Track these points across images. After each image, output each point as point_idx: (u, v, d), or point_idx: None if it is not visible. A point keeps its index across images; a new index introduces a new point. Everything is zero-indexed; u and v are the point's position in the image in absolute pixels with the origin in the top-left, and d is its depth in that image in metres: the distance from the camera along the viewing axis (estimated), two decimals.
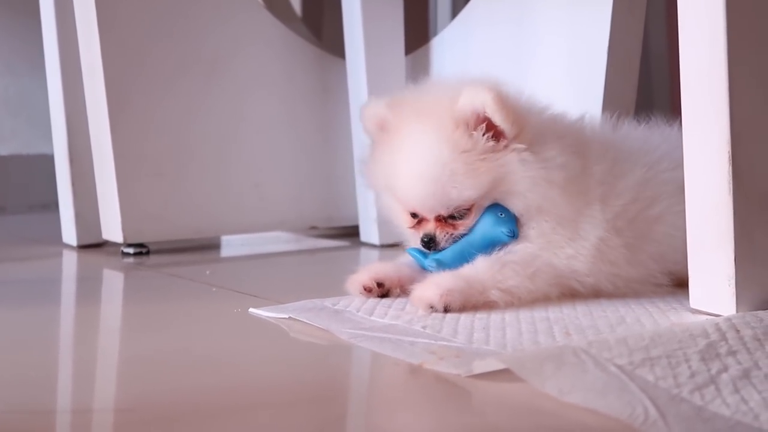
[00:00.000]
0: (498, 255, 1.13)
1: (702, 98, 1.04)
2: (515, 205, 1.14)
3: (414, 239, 1.18)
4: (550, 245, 1.14)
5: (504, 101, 1.12)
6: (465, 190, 1.12)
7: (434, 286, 1.09)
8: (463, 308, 1.09)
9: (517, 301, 1.11)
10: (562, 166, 1.13)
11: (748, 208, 1.04)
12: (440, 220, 1.15)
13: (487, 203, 1.14)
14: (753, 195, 1.04)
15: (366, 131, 1.24)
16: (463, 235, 1.15)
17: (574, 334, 0.98)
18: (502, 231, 1.14)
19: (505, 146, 1.12)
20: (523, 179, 1.12)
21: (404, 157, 1.14)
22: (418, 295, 1.09)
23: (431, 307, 1.08)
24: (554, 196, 1.12)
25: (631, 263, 1.16)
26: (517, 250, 1.14)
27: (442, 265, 1.14)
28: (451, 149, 1.12)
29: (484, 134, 1.12)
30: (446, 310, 1.08)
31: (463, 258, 1.14)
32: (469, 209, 1.15)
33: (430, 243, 1.15)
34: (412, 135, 1.14)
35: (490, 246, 1.14)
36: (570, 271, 1.14)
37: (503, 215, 1.14)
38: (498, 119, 1.11)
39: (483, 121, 1.12)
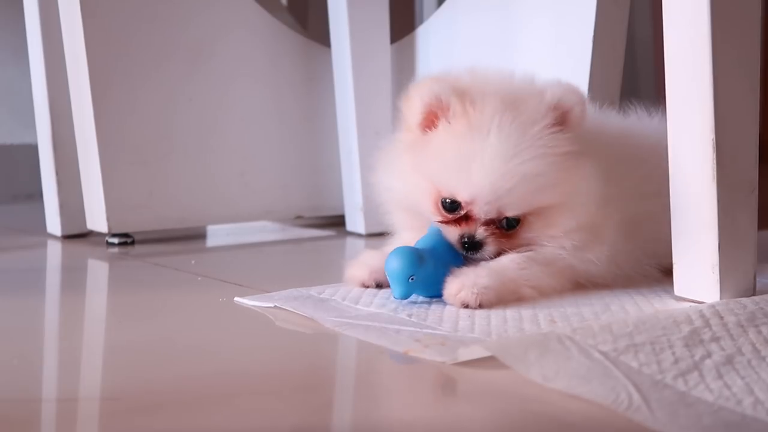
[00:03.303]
0: (523, 253, 1.10)
1: (686, 85, 1.04)
2: (565, 218, 1.10)
3: (447, 234, 1.11)
4: (576, 250, 1.11)
5: (585, 107, 1.10)
6: (543, 194, 1.08)
7: (469, 283, 1.05)
8: (495, 306, 1.05)
9: (539, 297, 1.09)
10: (605, 176, 1.11)
11: (732, 195, 1.04)
12: (491, 224, 1.10)
13: (539, 220, 1.10)
14: (737, 183, 1.05)
15: (413, 111, 1.13)
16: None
17: (559, 322, 0.98)
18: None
19: (575, 158, 1.09)
20: (582, 192, 1.09)
21: (490, 147, 1.06)
22: (452, 293, 1.05)
23: (466, 306, 1.04)
24: (595, 210, 1.11)
25: (631, 264, 1.16)
26: (541, 250, 1.11)
27: (415, 291, 1.08)
28: (545, 149, 1.07)
29: (568, 137, 1.09)
30: (480, 307, 1.04)
31: (435, 286, 1.08)
32: (519, 222, 1.10)
33: (472, 246, 1.09)
34: (502, 126, 1.06)
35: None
36: (586, 274, 1.13)
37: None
38: (577, 122, 1.09)
39: (564, 120, 1.09)
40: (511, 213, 1.09)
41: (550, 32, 1.58)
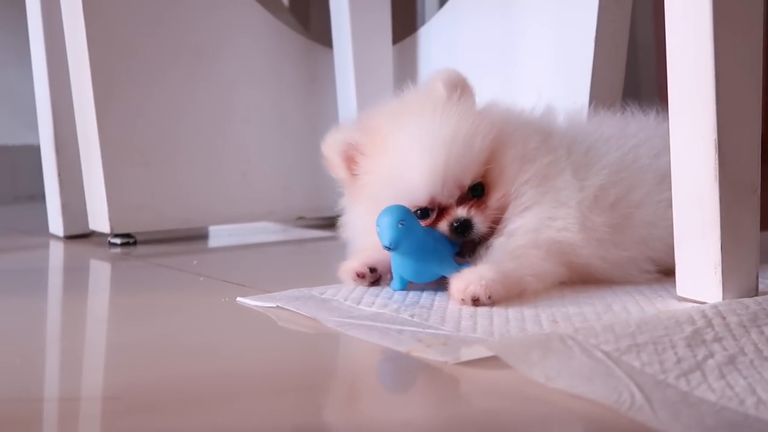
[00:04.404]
0: (507, 243, 1.12)
1: (688, 86, 1.04)
2: (506, 180, 1.15)
3: (441, 230, 1.13)
4: (542, 212, 1.14)
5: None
6: (479, 153, 1.13)
7: (475, 278, 1.06)
8: (503, 300, 1.06)
9: (542, 287, 1.11)
10: (534, 148, 1.16)
11: (735, 196, 1.04)
12: (464, 200, 1.14)
13: (501, 182, 1.15)
14: (739, 183, 1.05)
15: (335, 165, 1.20)
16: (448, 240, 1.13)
17: (561, 322, 0.98)
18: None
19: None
20: (506, 154, 1.15)
21: (409, 150, 1.12)
22: (460, 289, 1.06)
23: (476, 301, 1.05)
24: (531, 168, 1.15)
25: (616, 245, 1.16)
26: (516, 229, 1.13)
27: (400, 265, 1.12)
28: (450, 118, 1.13)
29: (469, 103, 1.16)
30: (490, 299, 1.05)
31: (423, 264, 1.11)
32: (482, 184, 1.14)
33: (464, 227, 1.12)
34: (408, 129, 1.13)
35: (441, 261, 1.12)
36: (568, 245, 1.14)
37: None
38: (472, 90, 1.17)
39: (465, 95, 1.16)
40: (468, 181, 1.13)
41: (552, 33, 1.58)
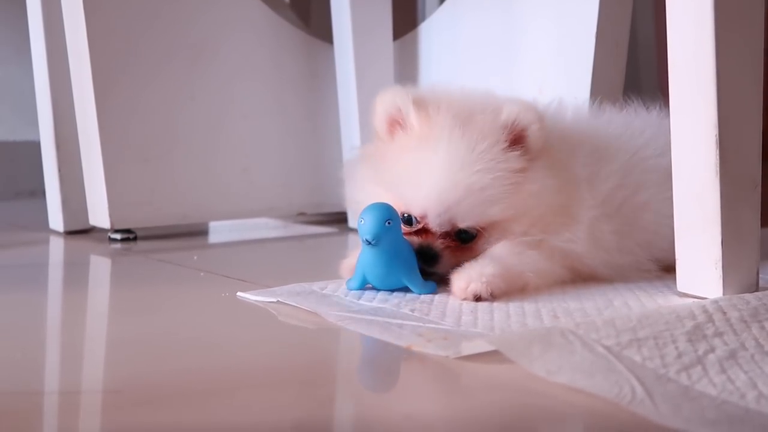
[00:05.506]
0: (510, 241, 1.11)
1: (689, 82, 1.04)
2: (519, 226, 1.11)
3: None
4: (553, 234, 1.12)
5: (545, 123, 1.11)
6: (492, 207, 1.09)
7: (476, 275, 1.05)
8: (505, 294, 1.06)
9: (543, 284, 1.10)
10: (558, 176, 1.13)
11: (735, 191, 1.04)
12: (448, 236, 1.11)
13: (494, 233, 1.11)
14: (740, 178, 1.05)
15: (377, 121, 1.17)
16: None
17: (562, 317, 0.98)
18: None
19: (529, 169, 1.11)
20: (535, 203, 1.11)
21: (439, 159, 1.09)
22: (461, 287, 1.05)
23: (477, 296, 1.04)
24: (553, 212, 1.12)
25: (621, 250, 1.16)
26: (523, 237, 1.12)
27: (368, 264, 1.10)
28: (493, 162, 1.09)
29: (520, 154, 1.10)
30: (492, 295, 1.05)
31: (391, 269, 1.09)
32: (477, 234, 1.11)
33: (428, 257, 1.10)
34: (452, 139, 1.09)
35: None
36: (573, 254, 1.13)
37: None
38: (536, 140, 1.10)
39: (521, 137, 1.11)
40: (463, 225, 1.10)
41: (553, 29, 1.58)
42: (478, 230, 1.11)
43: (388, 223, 1.07)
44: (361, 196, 1.17)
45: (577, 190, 1.14)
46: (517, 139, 1.11)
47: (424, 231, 1.12)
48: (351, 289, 1.12)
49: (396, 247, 1.09)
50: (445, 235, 1.11)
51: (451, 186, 1.08)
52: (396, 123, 1.15)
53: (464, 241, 1.12)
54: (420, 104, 1.13)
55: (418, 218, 1.12)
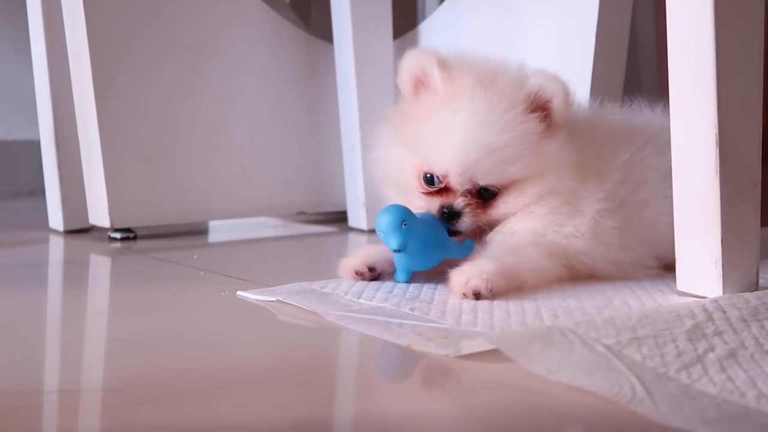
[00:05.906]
0: (507, 239, 1.13)
1: (689, 81, 1.04)
2: (536, 187, 1.14)
3: (428, 205, 1.15)
4: (554, 223, 1.14)
5: (570, 97, 1.14)
6: (511, 166, 1.12)
7: (476, 272, 1.06)
8: (504, 293, 1.07)
9: (542, 283, 1.11)
10: (578, 149, 1.15)
11: (735, 190, 1.04)
12: (470, 194, 1.14)
13: (513, 191, 1.14)
14: (740, 177, 1.05)
15: (402, 81, 1.19)
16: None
17: (562, 316, 0.98)
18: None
19: (549, 135, 1.13)
20: (553, 164, 1.13)
21: (461, 119, 1.11)
22: (461, 283, 1.06)
23: (477, 295, 1.05)
24: (569, 177, 1.14)
25: (622, 247, 1.17)
26: (518, 230, 1.14)
27: (406, 260, 1.13)
28: (513, 123, 1.11)
29: (541, 120, 1.13)
30: (492, 293, 1.05)
31: (428, 255, 1.13)
32: (498, 192, 1.14)
33: (450, 216, 1.13)
34: (474, 100, 1.12)
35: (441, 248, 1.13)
36: (573, 251, 1.14)
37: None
38: (559, 111, 1.13)
39: (545, 107, 1.13)
40: (484, 182, 1.13)
41: (553, 29, 1.58)
42: (498, 188, 1.14)
43: (405, 224, 1.10)
44: (385, 157, 1.21)
45: (587, 183, 1.15)
46: (539, 108, 1.14)
47: (445, 190, 1.14)
48: (399, 282, 1.15)
49: (422, 238, 1.11)
50: (467, 193, 1.14)
51: (472, 145, 1.11)
52: (420, 84, 1.18)
53: (485, 199, 1.15)
54: (444, 66, 1.16)
55: (440, 177, 1.14)
